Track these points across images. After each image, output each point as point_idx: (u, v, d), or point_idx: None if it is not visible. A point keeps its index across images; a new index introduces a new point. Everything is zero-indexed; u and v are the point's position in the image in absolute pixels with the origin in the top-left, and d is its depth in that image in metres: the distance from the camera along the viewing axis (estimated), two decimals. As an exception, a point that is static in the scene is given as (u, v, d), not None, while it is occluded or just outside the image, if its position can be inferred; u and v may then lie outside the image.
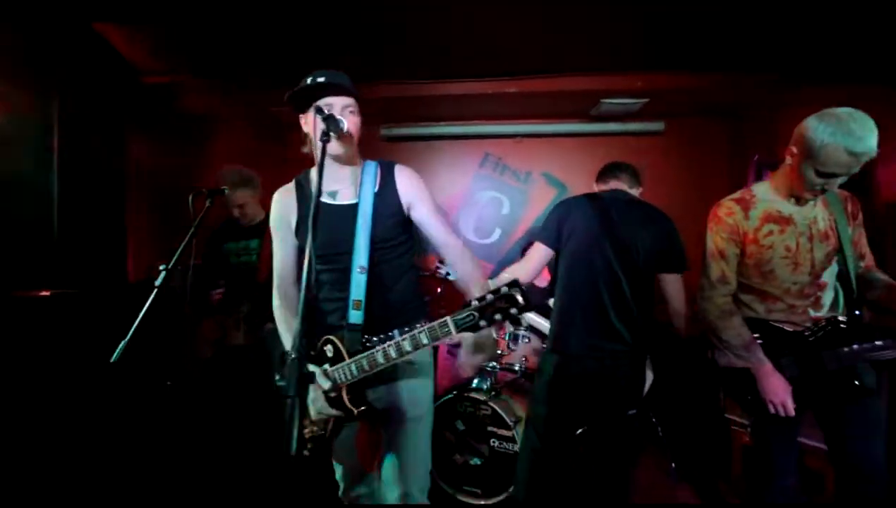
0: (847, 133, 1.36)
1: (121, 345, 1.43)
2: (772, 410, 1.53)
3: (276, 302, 1.46)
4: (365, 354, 1.24)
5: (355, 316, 1.28)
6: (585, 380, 1.78)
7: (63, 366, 1.88)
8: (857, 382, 1.48)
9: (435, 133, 3.83)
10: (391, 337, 1.23)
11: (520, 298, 1.06)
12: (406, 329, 1.21)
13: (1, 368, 1.75)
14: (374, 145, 3.92)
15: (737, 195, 1.68)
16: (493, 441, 2.32)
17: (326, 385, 1.26)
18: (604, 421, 1.87)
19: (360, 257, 1.28)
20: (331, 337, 1.31)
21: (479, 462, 2.36)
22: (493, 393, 2.38)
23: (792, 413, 1.50)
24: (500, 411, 2.29)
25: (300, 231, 1.40)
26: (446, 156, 3.94)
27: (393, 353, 1.21)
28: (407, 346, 1.19)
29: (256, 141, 3.68)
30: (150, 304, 1.58)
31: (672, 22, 2.45)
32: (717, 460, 2.70)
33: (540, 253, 1.85)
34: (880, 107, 2.93)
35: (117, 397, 2.02)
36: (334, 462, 1.56)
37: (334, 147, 1.31)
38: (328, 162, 1.23)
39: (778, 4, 2.25)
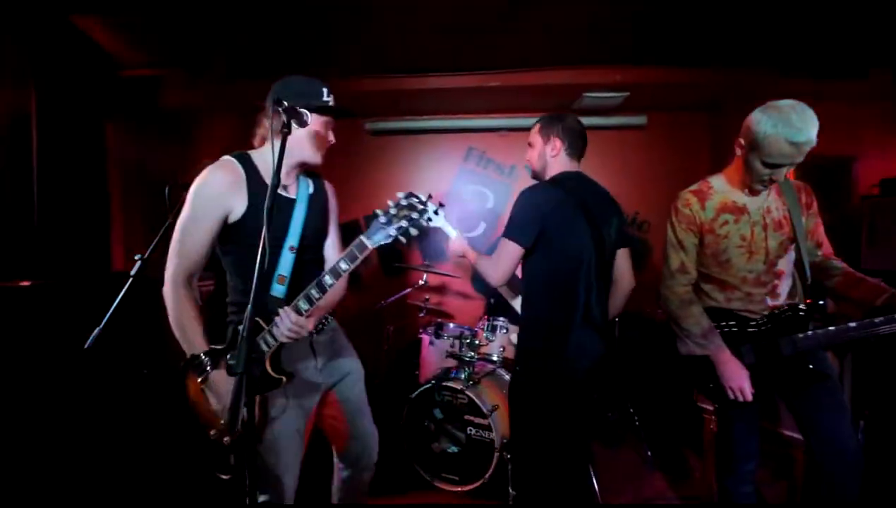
0: (787, 124, 1.40)
1: (94, 333, 1.46)
2: (730, 395, 1.57)
3: (184, 291, 1.30)
4: (285, 308, 1.31)
5: (278, 290, 1.37)
6: (584, 389, 1.65)
7: (43, 356, 1.91)
8: (811, 366, 1.53)
9: (419, 127, 3.85)
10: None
11: (418, 201, 1.28)
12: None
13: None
14: (360, 139, 3.95)
15: (694, 187, 1.71)
16: (470, 430, 2.37)
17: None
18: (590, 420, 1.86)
19: (292, 239, 1.40)
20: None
21: (456, 450, 2.41)
22: (470, 382, 2.42)
23: (749, 398, 1.55)
24: (476, 400, 2.33)
25: (247, 219, 1.33)
26: (431, 149, 3.96)
27: (315, 293, 1.31)
28: (328, 279, 1.30)
29: (240, 133, 3.69)
30: (125, 294, 1.62)
31: (654, 16, 2.47)
32: (690, 447, 2.76)
33: (516, 253, 1.60)
34: (854, 103, 3.01)
35: (95, 385, 2.05)
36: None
37: (314, 156, 1.45)
38: (292, 161, 1.42)
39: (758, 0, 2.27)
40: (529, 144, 1.81)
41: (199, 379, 1.29)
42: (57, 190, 2.15)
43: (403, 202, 1.31)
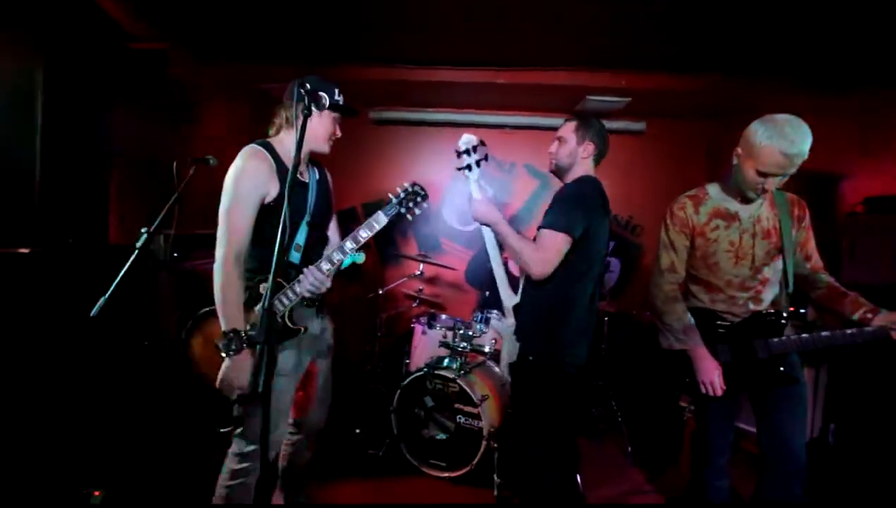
0: (782, 136, 1.48)
1: (100, 301, 1.48)
2: (702, 390, 1.66)
3: (233, 269, 1.42)
4: (309, 267, 1.54)
5: (295, 257, 1.57)
6: (584, 376, 1.82)
7: (42, 322, 1.92)
8: (782, 369, 1.62)
9: (423, 119, 3.88)
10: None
11: (420, 190, 1.72)
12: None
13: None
14: (363, 128, 3.96)
15: (692, 192, 1.79)
16: (460, 418, 2.43)
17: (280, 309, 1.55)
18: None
19: (308, 216, 1.61)
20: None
21: (444, 437, 2.47)
22: (462, 371, 2.48)
23: (719, 392, 1.64)
24: (467, 389, 2.39)
25: (277, 204, 1.49)
26: (433, 142, 3.99)
27: (337, 255, 1.56)
28: (349, 244, 1.56)
29: (245, 114, 3.69)
30: (131, 265, 1.63)
31: (661, 23, 2.53)
32: (671, 444, 2.87)
33: (565, 246, 1.62)
34: (844, 121, 3.11)
35: (96, 353, 2.07)
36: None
37: (324, 147, 1.64)
38: (305, 149, 1.58)
39: (757, 12, 2.34)
40: (560, 139, 1.84)
41: (233, 351, 1.40)
42: (60, 160, 2.13)
43: (410, 189, 1.72)
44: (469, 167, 1.86)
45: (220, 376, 1.42)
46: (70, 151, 2.21)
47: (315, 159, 1.78)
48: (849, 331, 1.54)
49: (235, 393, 1.44)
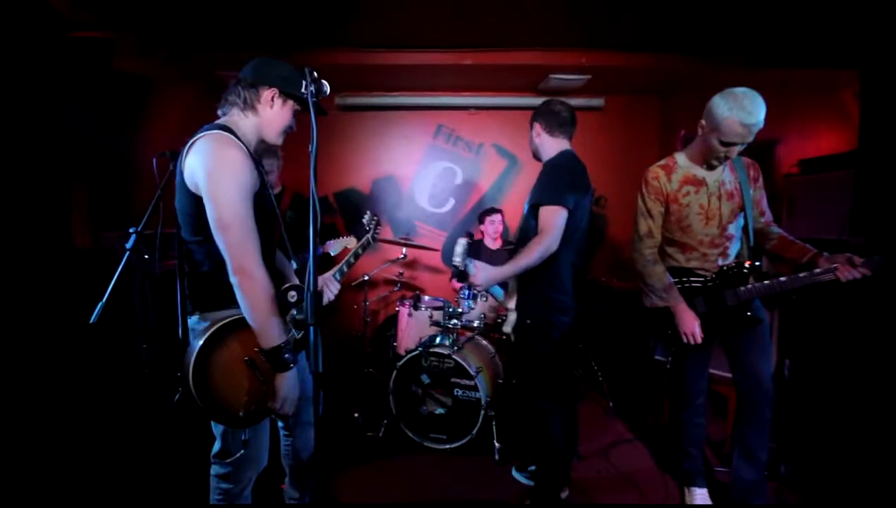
0: (741, 108, 1.65)
1: (98, 306, 1.42)
2: (684, 340, 1.86)
3: (267, 278, 1.26)
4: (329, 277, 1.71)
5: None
6: (576, 332, 1.96)
7: (19, 339, 1.82)
8: (748, 313, 1.84)
9: (389, 103, 3.86)
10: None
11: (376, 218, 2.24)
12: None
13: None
14: (328, 114, 3.88)
15: (662, 162, 1.95)
16: (457, 391, 2.54)
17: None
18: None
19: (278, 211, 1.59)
20: (293, 284, 1.46)
21: (443, 412, 2.57)
22: (455, 347, 2.58)
23: (699, 341, 1.84)
24: (462, 362, 2.49)
25: (259, 200, 1.33)
26: (401, 126, 3.99)
27: (346, 268, 1.87)
28: (352, 259, 1.95)
29: (200, 103, 3.51)
30: (123, 268, 1.58)
31: (614, 5, 2.66)
32: (649, 395, 3.13)
33: (565, 216, 1.77)
34: (779, 91, 3.41)
35: (96, 358, 1.99)
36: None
37: (277, 139, 1.47)
38: (255, 137, 1.43)
39: None
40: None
41: (291, 366, 1.29)
42: (14, 165, 1.99)
43: (372, 221, 2.24)
44: (465, 266, 1.87)
45: (284, 395, 1.29)
46: (24, 153, 2.06)
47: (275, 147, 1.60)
48: (801, 275, 1.76)
49: (292, 407, 1.34)
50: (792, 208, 3.19)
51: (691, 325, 1.84)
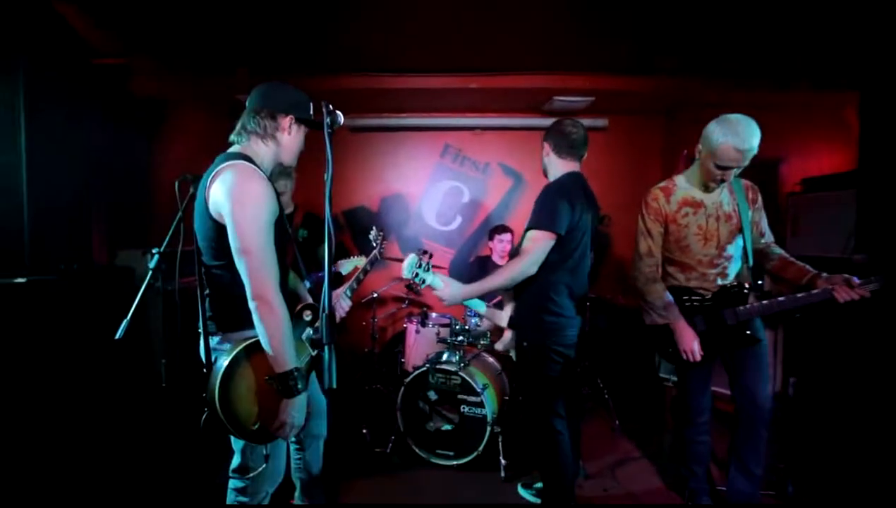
0: (735, 134, 1.72)
1: (123, 323, 1.49)
2: (684, 357, 1.89)
3: (283, 304, 1.31)
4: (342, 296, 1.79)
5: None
6: (576, 354, 1.95)
7: (47, 349, 1.89)
8: (748, 332, 1.88)
9: (398, 124, 3.97)
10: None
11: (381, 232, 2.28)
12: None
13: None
14: (339, 135, 4.00)
15: (662, 184, 2.02)
16: (464, 408, 2.57)
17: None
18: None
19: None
20: (308, 303, 1.59)
21: (450, 428, 2.60)
22: (462, 364, 2.61)
23: (698, 358, 1.87)
24: (469, 380, 2.53)
25: (278, 220, 1.40)
26: (409, 146, 4.10)
27: (355, 285, 1.91)
28: (361, 275, 1.99)
29: (215, 126, 3.64)
30: (147, 285, 1.65)
31: (616, 30, 2.76)
32: (654, 413, 3.13)
33: (550, 243, 1.78)
34: (781, 112, 3.48)
35: (109, 372, 2.06)
36: None
37: (293, 160, 1.57)
38: (274, 161, 1.52)
39: (707, 20, 2.60)
40: None
41: (299, 391, 1.32)
42: (45, 186, 2.09)
43: (377, 235, 2.27)
44: (423, 281, 1.79)
45: (285, 419, 1.31)
46: (53, 175, 2.17)
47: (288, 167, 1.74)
48: (799, 295, 1.80)
49: (293, 432, 1.36)
50: (796, 227, 3.22)
51: (690, 343, 1.87)
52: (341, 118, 1.44)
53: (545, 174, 2.05)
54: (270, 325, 1.25)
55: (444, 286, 1.80)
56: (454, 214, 4.15)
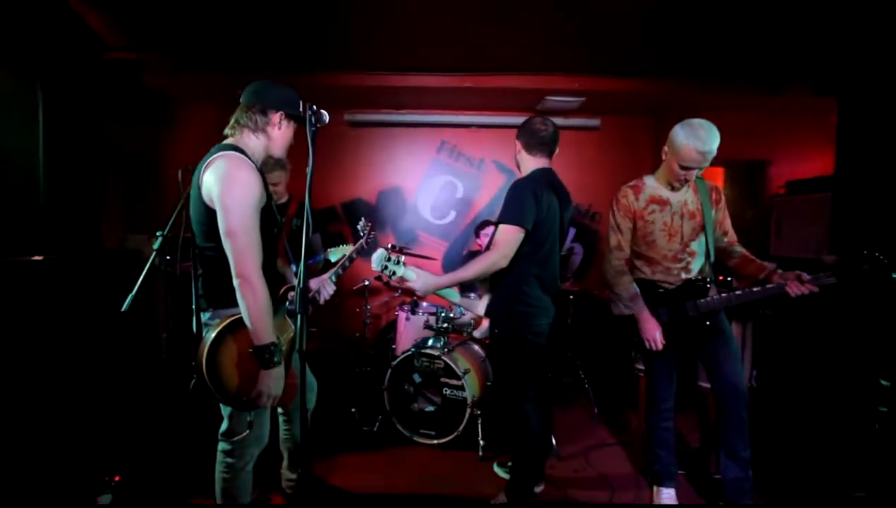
0: (696, 138, 1.84)
1: (129, 297, 1.66)
2: (647, 345, 2.02)
3: (263, 282, 1.43)
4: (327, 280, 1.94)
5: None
6: (546, 342, 2.04)
7: (61, 322, 2.07)
8: (707, 323, 2.00)
9: (395, 120, 4.11)
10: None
11: (369, 225, 2.35)
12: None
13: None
14: (338, 130, 4.15)
15: (632, 183, 2.14)
16: (446, 390, 2.72)
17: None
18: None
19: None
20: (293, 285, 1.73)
21: (432, 409, 2.75)
22: (445, 349, 2.76)
23: (660, 347, 2.00)
24: (451, 364, 2.67)
25: (264, 212, 1.52)
26: (406, 142, 4.24)
27: (341, 271, 2.05)
28: (347, 263, 2.12)
29: (221, 119, 3.80)
30: (150, 265, 1.81)
31: (607, 33, 2.86)
32: (628, 404, 3.26)
33: (520, 236, 1.85)
34: (769, 115, 3.56)
35: (117, 346, 2.26)
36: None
37: (283, 153, 1.70)
38: (265, 154, 1.66)
39: (695, 22, 2.69)
40: None
41: (276, 363, 1.44)
42: (60, 170, 2.26)
43: (365, 226, 2.34)
44: (393, 273, 1.86)
45: (262, 389, 1.44)
46: (68, 161, 2.34)
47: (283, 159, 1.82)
48: (755, 289, 1.93)
49: (269, 402, 1.48)
50: (779, 228, 3.32)
51: (653, 332, 2.00)
52: (326, 117, 1.58)
53: (518, 170, 2.17)
54: (251, 301, 1.38)
55: (416, 277, 1.87)
56: (449, 208, 4.28)
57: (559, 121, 4.03)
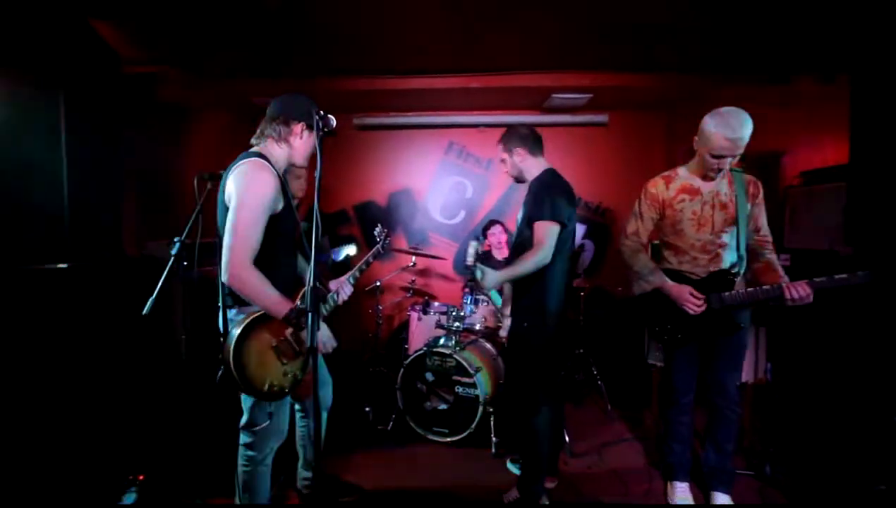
0: (726, 125, 1.84)
1: (150, 300, 1.72)
2: (686, 308, 1.98)
3: (252, 270, 1.50)
4: (346, 281, 1.99)
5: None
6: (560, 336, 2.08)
7: (86, 325, 2.16)
8: (730, 317, 1.99)
9: (403, 122, 4.16)
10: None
11: (385, 231, 2.45)
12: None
13: (29, 332, 2.01)
14: (347, 134, 4.22)
15: (666, 173, 2.14)
16: (458, 388, 2.75)
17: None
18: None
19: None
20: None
21: (445, 407, 2.78)
22: (457, 348, 2.79)
23: (696, 302, 1.97)
24: (463, 362, 2.70)
25: (284, 216, 1.62)
26: (414, 143, 4.28)
27: (358, 273, 2.11)
28: (364, 265, 2.17)
29: (233, 128, 3.91)
30: (169, 270, 1.88)
31: (615, 28, 2.85)
32: (641, 401, 3.25)
33: (557, 231, 1.92)
34: (784, 106, 3.51)
35: (139, 348, 2.35)
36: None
37: (305, 162, 1.78)
38: (287, 163, 1.75)
39: (705, 17, 2.67)
40: (501, 161, 2.19)
41: (293, 329, 1.58)
42: (81, 182, 2.35)
43: (382, 232, 2.44)
44: (475, 266, 1.95)
45: (324, 340, 1.77)
46: (89, 173, 2.43)
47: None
48: (765, 287, 1.94)
49: (330, 347, 1.80)
50: (794, 219, 3.26)
51: (684, 292, 1.98)
52: (333, 121, 1.65)
53: (519, 179, 2.17)
54: (249, 292, 1.50)
55: (484, 275, 1.94)
56: (458, 208, 4.31)
57: (566, 118, 4.06)
